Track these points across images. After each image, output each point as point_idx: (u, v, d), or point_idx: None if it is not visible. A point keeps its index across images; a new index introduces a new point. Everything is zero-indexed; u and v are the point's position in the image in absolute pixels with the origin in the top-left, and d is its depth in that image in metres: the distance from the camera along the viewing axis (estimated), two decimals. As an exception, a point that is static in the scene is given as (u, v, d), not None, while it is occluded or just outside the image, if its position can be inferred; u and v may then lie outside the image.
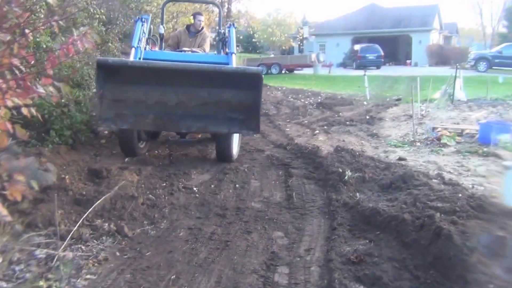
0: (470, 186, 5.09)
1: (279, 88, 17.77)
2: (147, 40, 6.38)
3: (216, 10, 16.54)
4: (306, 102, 13.74)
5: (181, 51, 6.84)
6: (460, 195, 4.02)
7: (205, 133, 6.87)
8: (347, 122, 9.95)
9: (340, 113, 11.45)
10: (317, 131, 8.77)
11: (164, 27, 7.34)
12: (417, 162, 6.32)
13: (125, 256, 3.39)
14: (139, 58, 5.86)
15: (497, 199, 4.28)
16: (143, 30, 6.17)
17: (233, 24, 6.82)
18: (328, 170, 5.41)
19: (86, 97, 6.63)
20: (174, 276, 3.10)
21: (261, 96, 5.35)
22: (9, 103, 2.58)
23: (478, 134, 7.71)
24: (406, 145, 7.55)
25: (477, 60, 27.17)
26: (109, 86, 5.13)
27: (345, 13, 46.35)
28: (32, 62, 3.02)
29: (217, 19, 12.89)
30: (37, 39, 5.74)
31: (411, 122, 8.60)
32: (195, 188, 4.98)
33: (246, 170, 5.75)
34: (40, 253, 3.25)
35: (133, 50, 5.84)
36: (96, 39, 3.60)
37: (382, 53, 31.79)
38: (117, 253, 3.43)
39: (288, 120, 10.37)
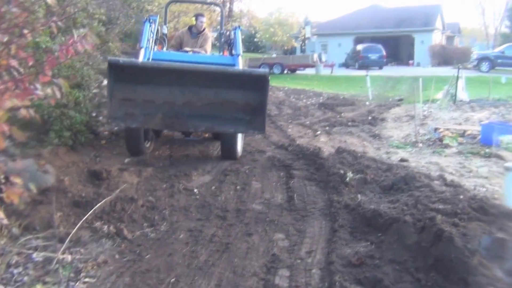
0: (472, 187, 5.06)
1: (281, 88, 17.73)
2: (155, 41, 6.42)
3: (217, 9, 16.49)
4: (308, 103, 13.71)
5: (183, 51, 6.88)
6: (461, 196, 4.00)
7: (212, 132, 6.94)
8: (349, 123, 9.92)
9: (342, 114, 11.43)
10: (318, 132, 8.75)
11: (167, 27, 7.37)
12: (419, 163, 6.29)
13: (125, 259, 3.37)
14: (148, 59, 5.93)
15: (498, 201, 4.26)
16: (151, 31, 6.24)
17: (239, 27, 6.92)
18: (330, 171, 5.39)
19: (85, 97, 6.60)
20: (174, 279, 3.08)
21: (267, 97, 5.44)
22: (8, 104, 2.56)
23: (480, 135, 7.69)
24: (408, 146, 7.53)
25: (479, 60, 27.03)
26: (119, 85, 5.19)
27: (347, 13, 46.14)
28: (31, 63, 3.00)
29: (218, 18, 12.89)
30: (36, 40, 5.71)
31: (413, 122, 8.58)
32: (195, 190, 4.95)
33: (247, 171, 5.73)
34: (38, 256, 3.23)
35: (142, 50, 5.90)
36: (96, 41, 3.57)
37: (385, 53, 31.65)
38: (117, 256, 3.40)
39: (289, 121, 10.35)
